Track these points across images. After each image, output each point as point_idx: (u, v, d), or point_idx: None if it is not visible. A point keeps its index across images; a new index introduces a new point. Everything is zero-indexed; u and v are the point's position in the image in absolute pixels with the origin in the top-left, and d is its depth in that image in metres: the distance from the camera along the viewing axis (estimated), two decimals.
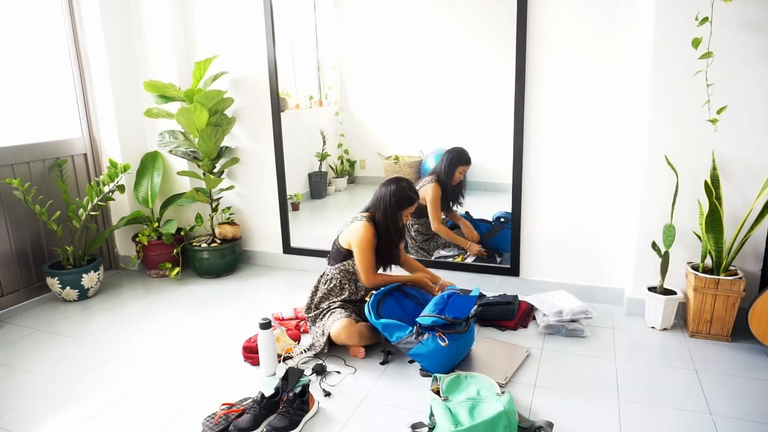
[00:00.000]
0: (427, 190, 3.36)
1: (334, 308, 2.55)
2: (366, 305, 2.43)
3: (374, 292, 2.53)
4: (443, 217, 3.45)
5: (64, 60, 3.50)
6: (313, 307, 2.65)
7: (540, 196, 3.01)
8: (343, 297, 2.60)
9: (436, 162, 3.49)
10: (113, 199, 3.50)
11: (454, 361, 2.31)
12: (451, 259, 3.35)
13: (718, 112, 2.40)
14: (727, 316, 2.52)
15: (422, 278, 2.71)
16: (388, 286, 2.56)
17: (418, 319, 2.32)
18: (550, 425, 1.90)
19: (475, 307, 2.79)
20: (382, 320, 2.35)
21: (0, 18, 3.18)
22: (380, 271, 2.72)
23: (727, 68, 2.44)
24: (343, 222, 2.68)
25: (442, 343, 2.23)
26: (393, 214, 2.55)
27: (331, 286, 2.61)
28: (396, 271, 2.80)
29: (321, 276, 2.67)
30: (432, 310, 2.33)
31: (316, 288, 2.66)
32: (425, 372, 2.32)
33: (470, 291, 2.55)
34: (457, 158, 3.35)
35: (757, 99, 2.44)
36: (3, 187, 3.15)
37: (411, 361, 2.41)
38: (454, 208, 3.49)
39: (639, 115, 2.70)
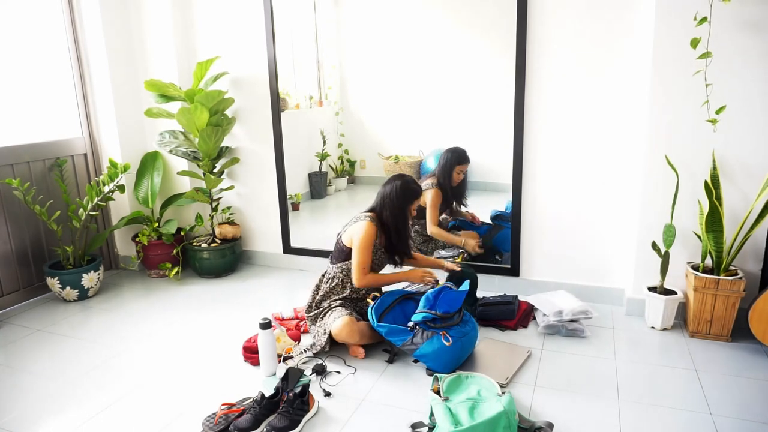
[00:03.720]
0: (426, 195, 3.34)
1: (335, 306, 2.55)
2: (369, 310, 2.43)
3: (377, 294, 2.54)
4: (446, 217, 3.45)
5: (64, 60, 3.50)
6: (314, 306, 2.65)
7: (540, 196, 3.01)
8: (344, 295, 2.60)
9: (436, 162, 3.48)
10: (113, 199, 3.50)
11: (459, 359, 2.32)
12: (451, 260, 3.35)
13: (717, 112, 2.40)
14: (727, 316, 2.52)
15: (413, 273, 2.66)
16: (393, 296, 2.54)
17: (412, 317, 2.34)
18: (550, 425, 1.90)
19: (475, 307, 2.79)
20: (386, 325, 2.36)
21: (0, 18, 3.18)
22: (389, 268, 2.70)
23: (727, 68, 2.44)
24: (345, 221, 2.68)
25: (446, 343, 2.24)
26: (402, 210, 2.57)
27: (333, 284, 2.61)
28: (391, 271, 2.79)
29: (323, 275, 2.68)
30: (423, 306, 2.36)
31: (318, 287, 2.66)
32: (431, 371, 2.32)
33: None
34: (455, 158, 3.32)
35: (757, 99, 2.44)
36: (3, 187, 3.15)
37: (415, 361, 2.41)
38: (461, 208, 3.47)
39: (639, 115, 2.69)
